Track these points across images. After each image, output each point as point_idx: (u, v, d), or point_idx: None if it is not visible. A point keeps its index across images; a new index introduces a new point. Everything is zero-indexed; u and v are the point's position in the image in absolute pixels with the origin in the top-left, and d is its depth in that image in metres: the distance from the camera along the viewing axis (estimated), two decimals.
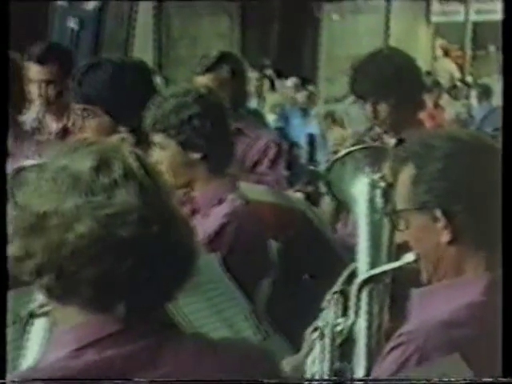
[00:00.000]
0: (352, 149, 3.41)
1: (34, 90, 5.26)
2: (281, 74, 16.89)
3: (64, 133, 5.22)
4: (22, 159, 3.98)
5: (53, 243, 1.91)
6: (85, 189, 1.91)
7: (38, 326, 2.46)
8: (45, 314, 2.34)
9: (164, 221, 1.96)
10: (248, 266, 3.45)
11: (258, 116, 6.36)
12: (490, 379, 2.36)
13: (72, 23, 13.20)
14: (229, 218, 3.65)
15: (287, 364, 2.80)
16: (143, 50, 17.81)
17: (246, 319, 3.27)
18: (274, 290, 3.80)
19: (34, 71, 5.28)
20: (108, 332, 1.95)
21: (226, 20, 21.90)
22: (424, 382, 2.32)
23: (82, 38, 12.86)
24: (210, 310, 3.11)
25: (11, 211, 2.03)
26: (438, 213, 2.56)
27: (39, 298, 2.29)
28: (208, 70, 5.28)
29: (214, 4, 19.40)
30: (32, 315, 2.43)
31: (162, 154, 3.66)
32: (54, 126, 5.37)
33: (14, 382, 1.92)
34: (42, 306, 2.31)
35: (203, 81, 5.17)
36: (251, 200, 3.85)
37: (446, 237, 2.54)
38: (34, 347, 2.45)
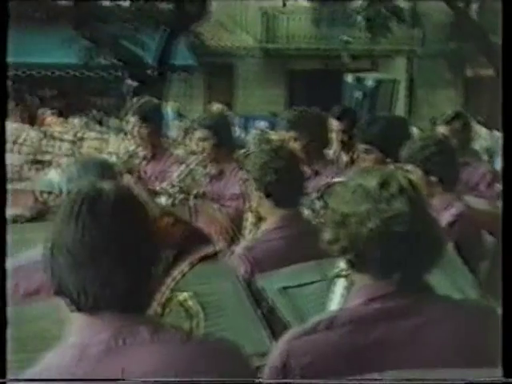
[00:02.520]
0: None
1: (333, 136, 5.83)
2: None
3: (352, 162, 5.78)
4: (330, 178, 4.66)
5: (352, 234, 2.25)
6: (373, 199, 2.25)
7: (340, 285, 2.60)
8: (345, 276, 2.50)
9: (424, 220, 2.28)
10: (469, 251, 3.56)
11: (477, 154, 6.76)
12: (490, 379, 2.14)
13: (357, 94, 14.86)
14: (456, 217, 4.00)
15: None
16: (400, 110, 18.97)
17: (472, 287, 3.35)
18: (491, 271, 3.82)
19: (335, 124, 5.90)
20: (386, 291, 2.26)
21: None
22: (424, 382, 2.11)
23: (364, 103, 14.54)
24: (448, 280, 3.12)
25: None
26: None
27: (341, 265, 2.45)
28: (446, 123, 5.79)
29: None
30: (337, 276, 2.56)
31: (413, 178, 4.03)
32: (345, 157, 5.95)
33: (13, 381, 1.89)
34: (343, 270, 2.46)
35: (441, 130, 5.71)
36: (472, 207, 4.23)
37: None
38: (337, 298, 2.60)
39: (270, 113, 20.82)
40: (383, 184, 2.26)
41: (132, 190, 2.13)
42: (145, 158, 5.94)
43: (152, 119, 5.93)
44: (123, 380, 1.74)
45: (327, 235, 2.32)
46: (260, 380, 2.06)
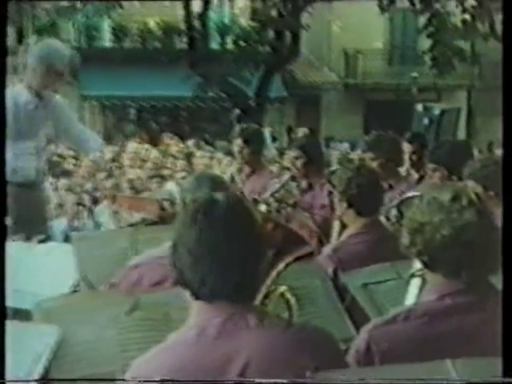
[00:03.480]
0: None
1: (405, 156, 5.58)
2: None
3: (420, 179, 5.45)
4: (402, 192, 4.62)
5: (427, 239, 2.22)
6: (446, 210, 2.22)
7: (416, 283, 2.48)
8: (420, 275, 2.40)
9: (489, 229, 2.23)
10: None
11: None
12: (490, 379, 1.93)
13: (425, 121, 14.70)
14: None
15: None
16: (461, 135, 18.71)
17: None
18: None
19: (406, 146, 5.62)
20: (456, 289, 2.23)
21: None
22: (424, 381, 1.90)
23: (431, 129, 14.39)
24: None
25: None
26: None
27: (417, 266, 2.37)
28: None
29: None
30: (413, 275, 2.46)
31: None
32: (415, 175, 5.61)
33: (13, 381, 1.70)
34: (418, 270, 2.38)
35: (497, 152, 5.77)
36: None
37: None
38: (413, 294, 2.49)
39: (349, 137, 20.74)
40: (455, 197, 2.23)
41: (240, 199, 2.14)
42: (247, 173, 5.94)
43: (253, 141, 5.91)
44: (123, 380, 1.65)
45: (405, 240, 2.30)
46: (260, 380, 1.92)
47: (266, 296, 2.16)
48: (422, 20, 19.18)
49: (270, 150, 13.93)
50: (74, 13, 17.14)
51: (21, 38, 14.75)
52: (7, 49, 2.18)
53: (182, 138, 15.96)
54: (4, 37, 2.21)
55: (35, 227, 4.76)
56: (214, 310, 1.94)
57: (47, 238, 4.23)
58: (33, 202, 5.06)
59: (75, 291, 3.52)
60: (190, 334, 1.94)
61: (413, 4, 18.42)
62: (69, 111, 5.27)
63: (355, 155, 12.48)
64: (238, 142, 5.90)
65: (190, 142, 15.20)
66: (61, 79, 4.87)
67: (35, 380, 1.59)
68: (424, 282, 2.40)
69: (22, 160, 4.94)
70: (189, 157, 12.91)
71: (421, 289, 2.45)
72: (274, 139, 16.50)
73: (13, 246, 4.22)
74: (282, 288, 2.24)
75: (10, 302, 3.66)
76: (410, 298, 2.52)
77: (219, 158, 12.03)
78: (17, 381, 1.63)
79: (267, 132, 16.55)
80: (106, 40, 22.37)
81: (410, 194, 4.11)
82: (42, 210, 5.28)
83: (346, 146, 17.42)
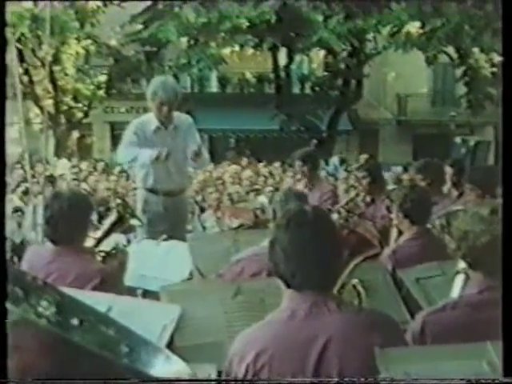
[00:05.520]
0: None
1: (447, 177, 5.20)
2: None
3: (459, 196, 5.12)
4: (445, 206, 4.39)
5: (470, 246, 2.13)
6: (486, 221, 2.13)
7: (460, 279, 2.40)
8: (464, 273, 2.34)
9: None
10: None
11: None
12: (490, 379, 1.66)
13: (463, 150, 14.27)
14: None
15: None
16: (491, 162, 18.15)
17: None
18: None
19: (448, 170, 5.24)
20: (494, 284, 2.08)
21: None
22: (425, 381, 1.63)
23: (467, 156, 13.98)
24: None
25: None
26: None
27: (461, 265, 2.29)
28: None
29: None
30: (458, 272, 2.40)
31: None
32: (455, 193, 5.29)
33: (14, 381, 1.45)
34: (463, 269, 2.30)
35: None
36: None
37: None
38: (458, 288, 2.43)
39: (401, 162, 20.39)
40: (492, 211, 2.15)
41: (323, 210, 2.12)
42: (309, 187, 5.73)
43: (307, 162, 5.71)
44: (124, 380, 1.55)
45: (452, 245, 2.23)
46: (260, 380, 1.86)
47: (342, 287, 2.14)
48: (459, 71, 19.18)
49: (339, 172, 13.80)
50: (190, 67, 17.43)
51: None
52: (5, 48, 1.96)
53: (270, 162, 16.01)
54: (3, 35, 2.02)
55: (175, 228, 4.62)
56: (303, 297, 1.92)
57: (169, 237, 4.22)
58: (173, 207, 4.85)
59: (190, 278, 3.55)
60: (283, 316, 1.93)
61: (452, 59, 18.33)
62: (190, 129, 4.93)
63: (406, 176, 12.23)
64: (297, 162, 5.75)
65: (277, 165, 15.25)
66: (171, 109, 4.68)
67: (35, 380, 1.41)
68: (467, 278, 2.34)
69: (162, 173, 4.78)
70: (275, 176, 12.95)
71: (464, 284, 2.40)
72: (342, 163, 16.31)
73: (144, 243, 4.32)
74: (354, 281, 2.22)
75: (140, 284, 3.79)
76: (456, 291, 2.47)
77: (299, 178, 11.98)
78: (17, 381, 1.44)
79: (336, 158, 16.41)
80: (214, 87, 22.71)
81: (454, 208, 3.98)
82: (184, 214, 5.09)
83: (398, 169, 17.08)
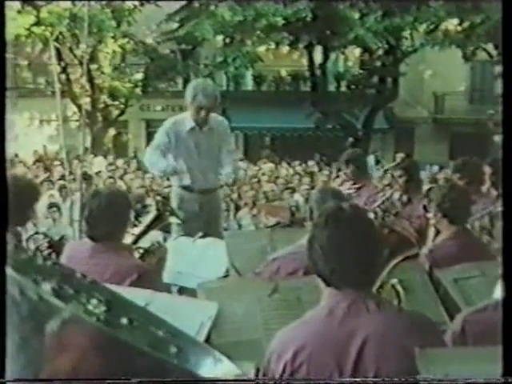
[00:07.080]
0: None
1: (486, 177, 5.06)
2: None
3: (499, 196, 4.85)
4: (484, 206, 4.28)
5: None
6: None
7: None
8: None
9: None
10: None
11: None
12: (490, 379, 1.60)
13: None
14: None
15: None
16: None
17: None
18: None
19: (487, 169, 5.05)
20: None
21: None
22: (425, 381, 1.59)
23: None
24: None
25: None
26: None
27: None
28: None
29: None
30: None
31: None
32: (495, 193, 5.03)
33: (13, 381, 1.41)
34: None
35: None
36: None
37: None
38: (500, 289, 2.14)
39: (437, 161, 20.14)
40: None
41: (361, 208, 2.10)
42: (356, 189, 5.75)
43: (353, 162, 5.66)
44: (125, 380, 1.46)
45: (496, 245, 2.18)
46: (259, 381, 1.84)
47: (381, 286, 2.11)
48: (498, 69, 18.66)
49: (375, 171, 13.69)
50: (226, 65, 17.48)
51: (186, 83, 15.10)
52: (6, 45, 1.92)
53: (306, 160, 15.97)
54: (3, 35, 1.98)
55: (209, 226, 4.64)
56: (342, 296, 1.90)
57: (204, 235, 4.23)
58: (208, 205, 4.88)
59: (226, 276, 3.53)
60: (322, 314, 1.91)
61: (490, 56, 17.98)
62: (225, 133, 5.00)
63: (442, 175, 12.07)
64: (343, 163, 5.71)
65: (312, 163, 15.22)
66: (209, 113, 4.71)
67: (35, 380, 1.37)
68: None
69: (198, 172, 4.82)
70: (311, 174, 12.92)
71: None
72: (377, 162, 16.18)
73: (180, 240, 4.34)
74: (394, 280, 2.19)
75: (176, 281, 3.81)
76: (498, 292, 2.33)
77: (334, 176, 11.96)
78: (17, 381, 1.40)
79: (372, 156, 16.28)
80: (249, 85, 22.73)
81: (495, 209, 3.92)
82: (218, 212, 5.10)
83: (435, 168, 16.87)
